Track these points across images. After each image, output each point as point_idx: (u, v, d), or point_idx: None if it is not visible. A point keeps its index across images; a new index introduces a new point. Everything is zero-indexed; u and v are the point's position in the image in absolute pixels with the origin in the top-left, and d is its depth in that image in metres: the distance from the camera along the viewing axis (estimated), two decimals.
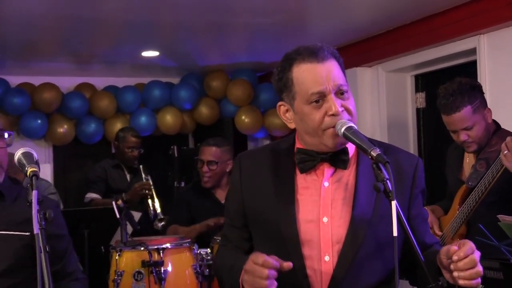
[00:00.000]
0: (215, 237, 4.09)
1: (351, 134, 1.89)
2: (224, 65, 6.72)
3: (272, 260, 1.84)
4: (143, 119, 6.76)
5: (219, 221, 4.23)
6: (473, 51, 4.63)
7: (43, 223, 1.85)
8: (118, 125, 6.56)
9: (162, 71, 6.83)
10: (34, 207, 1.85)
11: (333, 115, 1.93)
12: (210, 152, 4.41)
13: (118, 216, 3.95)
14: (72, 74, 6.76)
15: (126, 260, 3.88)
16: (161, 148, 6.66)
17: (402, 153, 2.10)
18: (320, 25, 5.19)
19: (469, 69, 4.73)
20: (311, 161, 2.01)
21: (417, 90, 5.66)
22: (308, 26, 5.29)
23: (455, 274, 1.75)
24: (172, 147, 6.20)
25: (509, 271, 2.78)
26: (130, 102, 6.76)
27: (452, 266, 1.76)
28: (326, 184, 2.01)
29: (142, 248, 3.86)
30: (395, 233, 1.72)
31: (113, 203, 4.02)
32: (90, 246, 4.38)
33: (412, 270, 2.03)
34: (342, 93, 1.96)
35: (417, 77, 5.65)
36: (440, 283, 1.78)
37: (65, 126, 6.66)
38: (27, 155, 2.08)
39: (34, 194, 1.88)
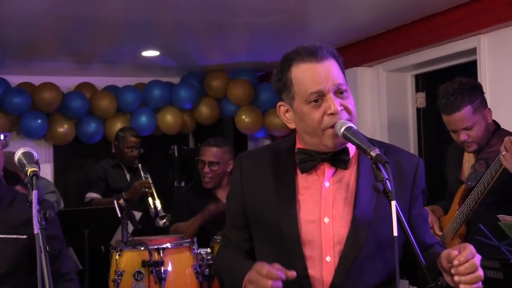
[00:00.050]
0: (215, 237, 4.10)
1: (350, 134, 1.89)
2: (224, 65, 6.72)
3: (276, 271, 1.83)
4: (143, 119, 6.76)
5: (219, 208, 4.23)
6: (473, 51, 4.63)
7: (44, 223, 1.85)
8: (118, 125, 6.56)
9: (163, 70, 6.83)
10: (35, 207, 1.84)
11: (332, 114, 1.93)
12: (211, 153, 4.41)
13: (119, 215, 3.95)
14: (72, 74, 6.76)
15: (126, 260, 3.88)
16: (161, 148, 6.66)
17: (402, 153, 2.10)
18: (320, 25, 5.19)
19: (469, 69, 4.73)
20: (311, 161, 2.00)
21: (417, 90, 5.66)
22: (308, 26, 5.29)
23: (456, 278, 1.75)
24: (172, 147, 6.21)
25: (509, 271, 2.78)
26: (130, 101, 6.76)
27: (453, 271, 1.76)
28: (327, 184, 2.01)
29: (142, 248, 3.86)
30: (395, 233, 1.72)
31: (115, 202, 4.02)
32: (90, 246, 4.38)
33: (413, 270, 2.03)
34: (341, 93, 1.96)
35: (417, 77, 5.65)
36: (439, 283, 1.78)
37: (65, 126, 6.66)
38: (27, 155, 2.08)
39: (34, 194, 1.88)
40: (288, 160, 2.06)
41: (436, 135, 5.42)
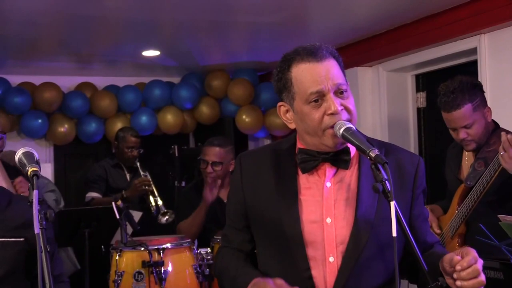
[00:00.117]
0: (215, 237, 4.10)
1: (349, 135, 1.89)
2: (225, 65, 6.72)
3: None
4: (143, 119, 6.76)
5: (213, 195, 4.25)
6: (473, 51, 4.63)
7: (44, 223, 1.85)
8: (118, 125, 6.56)
9: (163, 70, 6.83)
10: (35, 207, 1.84)
11: (332, 114, 1.93)
12: (214, 153, 4.40)
13: (117, 216, 3.95)
14: (72, 74, 6.76)
15: (127, 261, 3.88)
16: (162, 148, 6.66)
17: (403, 153, 2.10)
18: (321, 24, 5.19)
19: (470, 68, 4.72)
20: (312, 161, 2.00)
21: (417, 89, 5.66)
22: (309, 26, 5.29)
23: (458, 283, 1.76)
24: (172, 146, 6.20)
25: (509, 271, 2.78)
26: (130, 101, 6.76)
27: (455, 275, 1.77)
28: (328, 184, 2.01)
29: (142, 248, 3.86)
30: (394, 234, 1.72)
31: (113, 204, 4.01)
32: (90, 246, 4.38)
33: (414, 270, 2.03)
34: (341, 92, 1.96)
35: (417, 77, 5.65)
36: (439, 283, 1.78)
37: (66, 126, 6.66)
38: (27, 154, 2.07)
39: (35, 194, 1.88)
40: (289, 160, 2.06)
41: (436, 135, 5.42)
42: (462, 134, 3.31)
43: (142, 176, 5.58)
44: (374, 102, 5.70)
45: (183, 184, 6.13)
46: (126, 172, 5.82)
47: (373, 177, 1.81)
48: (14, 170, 4.21)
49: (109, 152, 6.35)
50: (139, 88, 6.87)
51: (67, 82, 6.77)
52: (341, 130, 1.90)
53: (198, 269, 3.92)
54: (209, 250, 3.99)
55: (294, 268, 1.97)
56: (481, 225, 2.84)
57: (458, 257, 1.78)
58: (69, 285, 2.63)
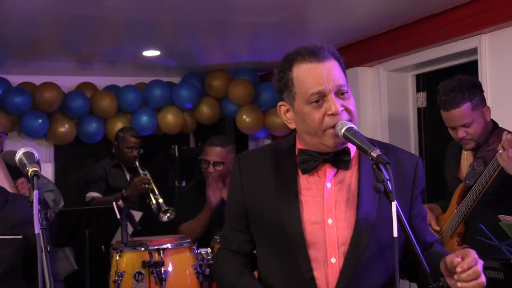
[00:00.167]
0: (215, 237, 4.09)
1: (351, 135, 1.89)
2: (225, 65, 6.72)
3: None
4: (144, 119, 6.76)
5: (217, 197, 4.24)
6: (474, 51, 4.63)
7: (45, 223, 1.85)
8: (119, 125, 6.56)
9: (163, 70, 6.83)
10: (35, 207, 1.84)
11: (332, 114, 1.93)
12: (216, 153, 4.40)
13: (118, 216, 3.95)
14: (73, 74, 6.76)
15: (127, 261, 3.88)
16: (162, 148, 6.65)
17: (402, 153, 2.11)
18: (321, 24, 5.19)
19: (470, 69, 4.72)
20: (313, 161, 2.00)
21: (418, 89, 5.65)
22: (310, 26, 5.29)
23: (459, 284, 1.77)
24: (173, 146, 6.19)
25: (509, 271, 2.78)
26: (131, 101, 6.76)
27: (456, 277, 1.78)
28: (328, 185, 2.01)
29: (142, 249, 3.86)
30: (395, 234, 1.72)
31: (114, 204, 4.01)
32: (91, 246, 4.38)
33: (414, 270, 2.03)
34: (342, 93, 1.96)
35: (418, 77, 5.64)
36: (440, 283, 1.79)
37: (66, 126, 6.66)
38: (28, 154, 2.07)
39: (35, 194, 1.88)
40: (289, 160, 2.06)
41: (436, 135, 5.42)
42: (461, 133, 3.31)
43: (142, 175, 5.59)
44: (375, 102, 5.70)
45: (183, 184, 6.13)
46: (126, 172, 5.82)
47: (375, 177, 1.81)
48: (15, 171, 4.22)
49: (109, 152, 6.35)
50: (140, 88, 6.87)
51: (68, 82, 6.76)
52: (343, 130, 1.90)
53: (199, 269, 3.91)
54: (209, 250, 3.99)
55: (296, 269, 1.97)
56: (481, 225, 2.84)
57: (459, 259, 1.79)
58: (63, 285, 2.63)
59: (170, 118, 6.85)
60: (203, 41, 5.71)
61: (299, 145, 2.06)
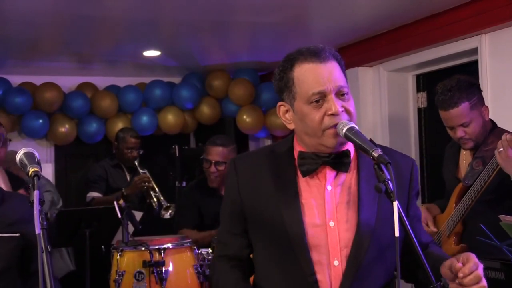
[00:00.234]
0: (215, 237, 4.09)
1: (352, 135, 1.89)
2: (225, 65, 6.72)
3: None
4: (144, 119, 6.76)
5: None
6: (474, 51, 4.62)
7: (45, 223, 1.85)
8: (119, 125, 6.56)
9: (164, 70, 6.83)
10: (36, 207, 1.84)
11: (332, 114, 1.93)
12: (217, 152, 4.40)
13: (119, 216, 3.95)
14: (73, 74, 6.76)
15: (127, 260, 3.88)
16: (163, 148, 6.66)
17: (398, 155, 2.11)
18: (321, 24, 5.19)
19: (471, 68, 4.72)
20: (313, 164, 1.99)
21: (418, 89, 5.65)
22: (310, 26, 5.29)
23: None
24: (173, 146, 6.20)
25: (510, 271, 2.78)
26: (131, 101, 6.76)
27: (457, 281, 1.81)
28: (329, 187, 2.00)
29: (143, 248, 3.86)
30: (397, 234, 1.72)
31: (115, 203, 4.02)
32: (91, 246, 4.38)
33: (412, 271, 2.03)
34: (342, 95, 1.96)
35: (418, 77, 5.64)
36: (442, 283, 1.79)
37: (67, 126, 6.66)
38: (28, 155, 2.07)
39: (35, 194, 1.88)
40: (288, 163, 2.05)
41: (437, 135, 5.41)
42: (459, 133, 3.31)
43: (141, 174, 5.60)
44: (375, 102, 5.70)
45: (184, 184, 6.14)
46: (126, 173, 5.83)
47: (374, 178, 1.81)
48: (16, 178, 4.23)
49: (109, 153, 6.36)
50: (140, 88, 6.87)
51: (68, 82, 6.77)
52: (344, 130, 1.90)
53: (199, 269, 3.92)
54: (210, 250, 3.99)
55: (298, 272, 1.95)
56: (482, 226, 2.84)
57: (460, 264, 1.81)
58: (59, 284, 2.64)
59: (170, 118, 6.85)
60: (203, 41, 5.71)
61: (298, 147, 2.05)
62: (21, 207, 2.53)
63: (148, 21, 4.90)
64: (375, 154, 1.82)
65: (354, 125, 1.92)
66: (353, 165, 2.03)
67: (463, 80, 3.32)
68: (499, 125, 3.43)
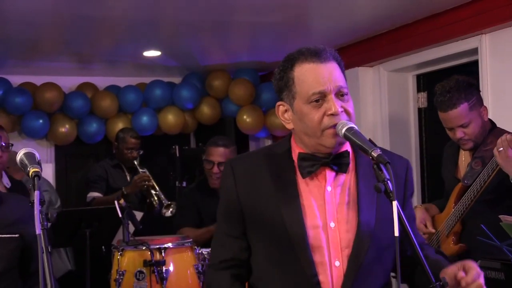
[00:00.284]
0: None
1: (351, 135, 1.89)
2: (226, 65, 6.72)
3: None
4: (144, 119, 6.76)
5: None
6: (475, 51, 4.63)
7: (46, 223, 1.85)
8: (119, 125, 6.57)
9: (164, 70, 6.83)
10: (36, 208, 1.84)
11: (332, 115, 1.93)
12: (219, 153, 4.40)
13: (120, 215, 3.95)
14: (74, 74, 6.76)
15: (128, 260, 3.88)
16: (163, 148, 6.66)
17: (393, 156, 2.10)
18: (322, 24, 5.19)
19: (471, 69, 4.73)
20: (312, 165, 1.99)
21: (418, 89, 5.66)
22: (310, 26, 5.29)
23: None
24: (173, 146, 6.21)
25: (510, 271, 2.78)
26: (131, 101, 6.76)
27: None
28: (329, 188, 2.00)
29: (144, 248, 3.86)
30: (396, 233, 1.72)
31: (115, 202, 4.02)
32: (91, 246, 4.38)
33: (409, 270, 2.04)
34: (342, 95, 1.97)
35: (418, 77, 5.64)
36: (442, 283, 1.79)
37: (67, 126, 6.66)
38: (29, 155, 2.07)
39: (36, 195, 1.88)
40: (287, 164, 2.04)
41: (437, 135, 5.41)
42: (459, 134, 3.32)
43: (141, 173, 5.61)
44: (375, 102, 5.70)
45: (184, 184, 6.14)
46: (126, 173, 5.83)
47: (373, 178, 1.82)
48: (18, 183, 4.23)
49: (109, 153, 6.36)
50: (140, 88, 6.87)
51: (68, 82, 6.77)
52: (343, 130, 1.90)
53: (200, 269, 3.92)
54: (210, 250, 3.99)
55: (299, 273, 1.95)
56: (482, 226, 2.84)
57: (462, 273, 1.83)
58: (57, 283, 2.64)
59: (170, 118, 6.86)
60: (203, 41, 5.71)
61: (297, 149, 2.04)
62: (19, 207, 2.53)
63: (148, 21, 4.90)
64: (375, 154, 1.83)
65: (353, 125, 1.92)
66: (351, 165, 2.03)
67: (461, 80, 3.32)
68: (499, 125, 3.43)
